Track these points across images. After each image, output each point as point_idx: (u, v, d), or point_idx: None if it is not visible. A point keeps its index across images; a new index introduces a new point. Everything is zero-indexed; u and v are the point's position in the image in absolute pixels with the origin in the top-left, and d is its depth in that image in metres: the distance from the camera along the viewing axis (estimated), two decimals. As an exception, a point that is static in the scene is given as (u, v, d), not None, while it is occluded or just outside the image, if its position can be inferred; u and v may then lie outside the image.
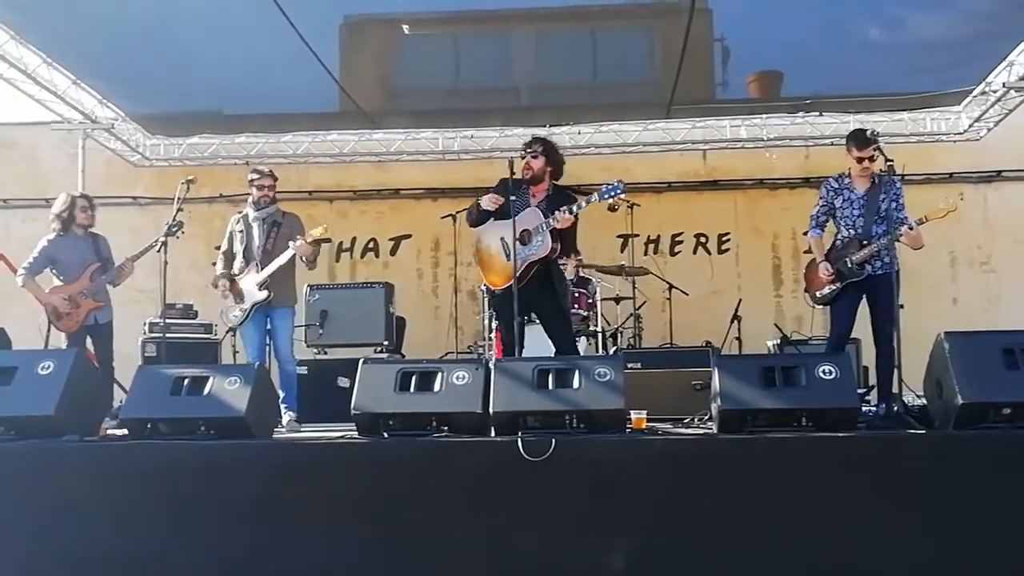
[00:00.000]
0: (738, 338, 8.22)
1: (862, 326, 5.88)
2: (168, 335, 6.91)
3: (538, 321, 6.13)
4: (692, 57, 8.07)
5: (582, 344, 7.27)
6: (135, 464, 4.77)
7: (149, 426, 4.94)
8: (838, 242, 5.97)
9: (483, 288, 6.41)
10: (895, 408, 5.30)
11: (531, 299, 5.72)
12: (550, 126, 9.27)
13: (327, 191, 10.29)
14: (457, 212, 8.19)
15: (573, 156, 8.21)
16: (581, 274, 7.92)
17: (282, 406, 6.26)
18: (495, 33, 8.51)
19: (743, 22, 7.72)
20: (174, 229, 6.14)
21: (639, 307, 8.43)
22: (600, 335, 7.81)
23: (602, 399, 4.72)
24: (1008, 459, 4.40)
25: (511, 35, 8.55)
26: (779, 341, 7.82)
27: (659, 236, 10.05)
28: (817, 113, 9.26)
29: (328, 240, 6.78)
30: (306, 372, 7.13)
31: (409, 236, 10.31)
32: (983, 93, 8.74)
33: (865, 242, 5.78)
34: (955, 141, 9.48)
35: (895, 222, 5.68)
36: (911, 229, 5.58)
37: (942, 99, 9.09)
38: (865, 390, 6.65)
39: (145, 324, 8.11)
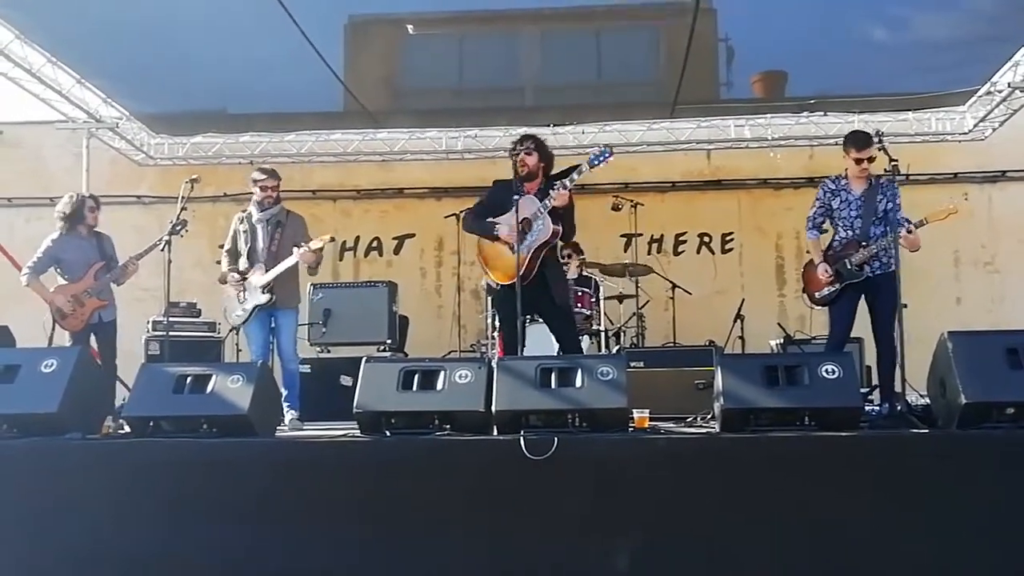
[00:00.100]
0: (741, 337, 8.22)
1: (864, 326, 5.87)
2: (171, 333, 6.92)
3: (540, 320, 6.12)
4: (696, 57, 8.07)
5: (584, 343, 7.27)
6: (137, 462, 4.78)
7: (152, 424, 4.95)
8: (836, 243, 5.95)
9: (484, 287, 6.40)
10: (898, 407, 5.29)
11: (533, 297, 5.71)
12: (554, 125, 9.27)
13: (331, 190, 10.31)
14: (461, 211, 8.17)
15: (577, 156, 8.20)
16: (584, 273, 7.91)
17: (284, 404, 6.26)
18: (500, 33, 8.50)
19: (747, 22, 7.71)
20: (178, 228, 6.14)
21: (642, 306, 8.43)
22: (603, 334, 7.82)
23: (605, 398, 4.72)
24: (1011, 458, 4.39)
25: (516, 35, 8.54)
26: (782, 340, 7.82)
27: (663, 235, 10.06)
28: (821, 113, 9.24)
29: (332, 240, 6.79)
30: (309, 370, 7.15)
31: (413, 235, 10.32)
32: (988, 93, 8.73)
33: (864, 243, 5.76)
34: (960, 141, 9.46)
35: (893, 223, 5.65)
36: (909, 232, 5.53)
37: (947, 99, 9.07)
38: (868, 389, 6.63)
39: (149, 322, 8.14)
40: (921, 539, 4.37)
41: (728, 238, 10.08)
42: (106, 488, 4.73)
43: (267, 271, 6.42)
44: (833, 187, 5.95)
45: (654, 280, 8.70)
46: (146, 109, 9.37)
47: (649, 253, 9.82)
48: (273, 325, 6.54)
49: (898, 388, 5.39)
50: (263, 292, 6.41)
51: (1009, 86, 8.37)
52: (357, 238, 10.36)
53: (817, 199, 6.02)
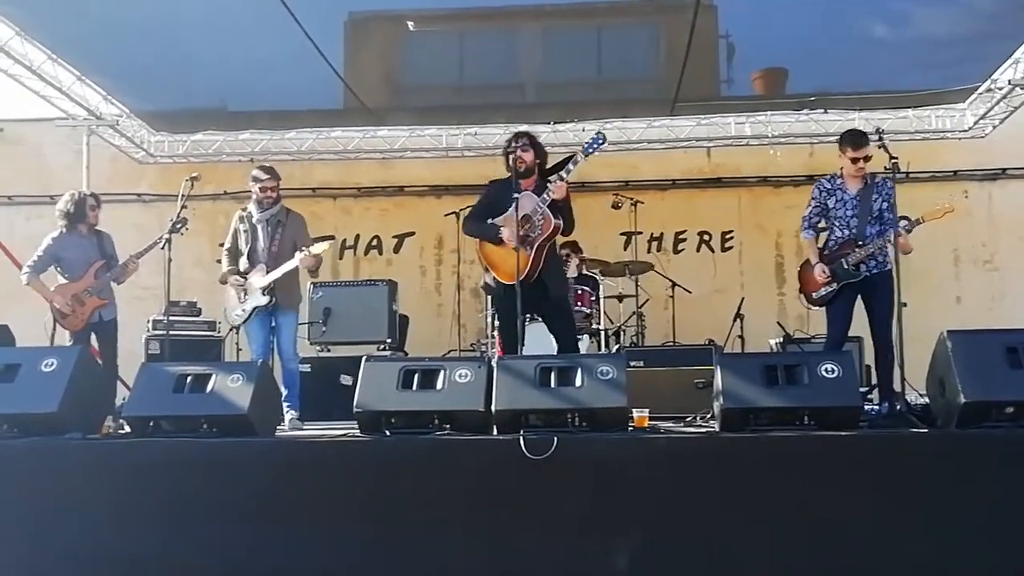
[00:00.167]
0: (741, 336, 8.22)
1: (864, 325, 5.87)
2: (172, 332, 6.93)
3: (540, 319, 6.11)
4: (697, 54, 8.06)
5: (584, 342, 7.27)
6: (137, 462, 4.78)
7: (152, 424, 4.95)
8: (832, 243, 5.94)
9: (483, 286, 6.40)
10: (898, 407, 5.29)
11: (533, 297, 5.71)
12: (554, 123, 9.26)
13: (331, 188, 10.31)
14: (461, 210, 8.17)
15: (577, 153, 8.21)
16: (584, 272, 7.91)
17: (284, 404, 6.26)
18: (501, 30, 8.49)
19: (748, 18, 7.70)
20: (178, 226, 6.13)
21: (642, 305, 8.42)
22: (603, 333, 7.81)
23: (604, 397, 4.71)
24: (1011, 458, 4.39)
25: (516, 32, 8.53)
26: (782, 339, 7.82)
27: (662, 234, 10.04)
28: (822, 110, 9.22)
29: (332, 238, 6.78)
30: (309, 370, 7.15)
31: (413, 233, 10.32)
32: (988, 90, 8.71)
33: (860, 243, 5.74)
34: (960, 138, 9.45)
35: (889, 223, 5.63)
36: (900, 235, 5.45)
37: (947, 96, 9.05)
38: (867, 389, 6.63)
39: (149, 321, 8.13)
40: (920, 538, 4.37)
41: (728, 236, 10.06)
42: (106, 488, 4.73)
43: (268, 272, 6.42)
44: (829, 186, 5.94)
45: (654, 279, 8.69)
46: (146, 106, 9.36)
47: (649, 251, 9.80)
48: (273, 324, 6.54)
49: (897, 387, 5.39)
50: (263, 294, 6.41)
51: (1009, 83, 8.36)
52: (357, 236, 10.34)
53: (813, 198, 6.00)
